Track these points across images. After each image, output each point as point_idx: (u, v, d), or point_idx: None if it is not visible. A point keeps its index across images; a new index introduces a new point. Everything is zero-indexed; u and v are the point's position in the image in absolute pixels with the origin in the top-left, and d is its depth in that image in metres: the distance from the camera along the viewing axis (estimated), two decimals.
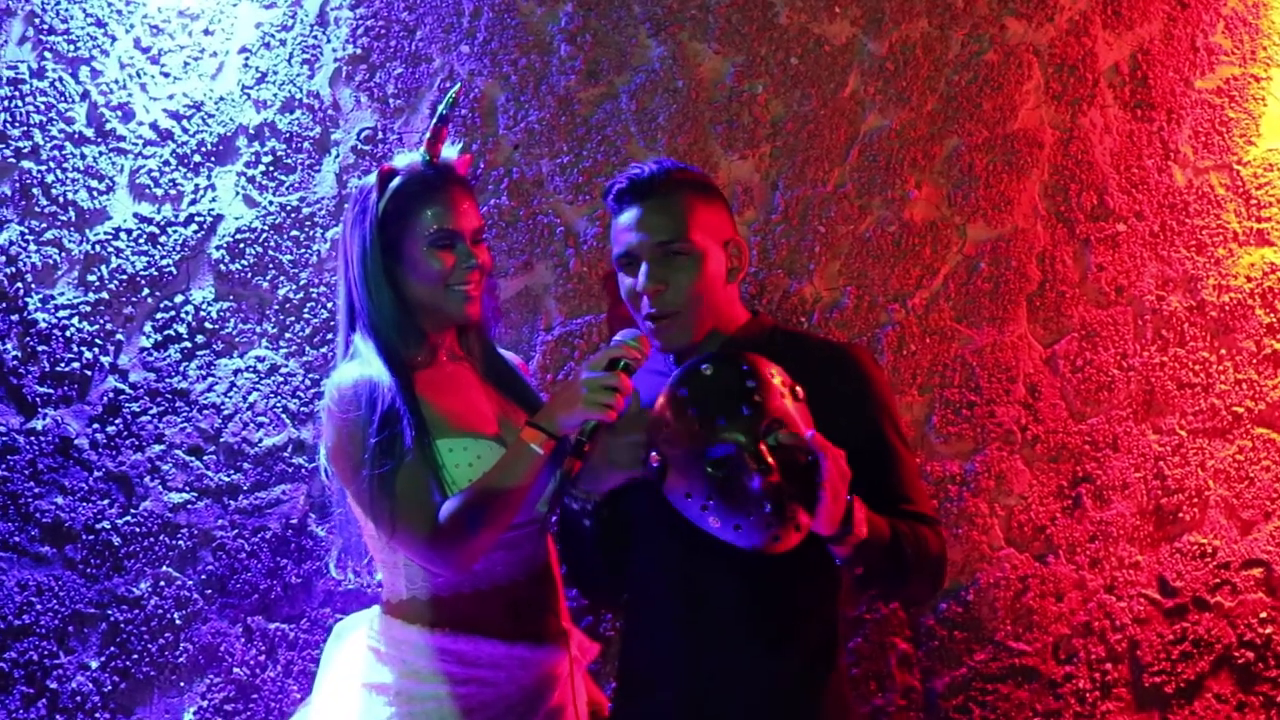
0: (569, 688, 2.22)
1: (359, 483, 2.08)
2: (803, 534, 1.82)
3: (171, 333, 2.73)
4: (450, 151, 2.24)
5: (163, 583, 2.75)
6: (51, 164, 2.67)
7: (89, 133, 2.68)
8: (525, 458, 2.02)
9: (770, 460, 1.79)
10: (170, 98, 2.70)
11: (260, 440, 2.75)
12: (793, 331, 2.21)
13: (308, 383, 2.75)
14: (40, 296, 2.69)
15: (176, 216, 2.72)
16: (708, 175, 2.28)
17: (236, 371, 2.75)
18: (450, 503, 2.05)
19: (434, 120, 2.19)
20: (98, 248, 2.70)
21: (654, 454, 1.88)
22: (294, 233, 2.74)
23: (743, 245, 2.12)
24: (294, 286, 2.75)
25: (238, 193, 2.73)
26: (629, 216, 2.05)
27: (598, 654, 2.39)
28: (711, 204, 2.10)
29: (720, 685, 2.06)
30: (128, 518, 2.74)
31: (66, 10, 2.66)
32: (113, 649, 2.75)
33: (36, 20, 2.65)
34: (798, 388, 1.88)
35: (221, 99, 2.71)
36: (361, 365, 2.14)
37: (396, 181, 2.17)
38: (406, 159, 2.22)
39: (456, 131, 2.74)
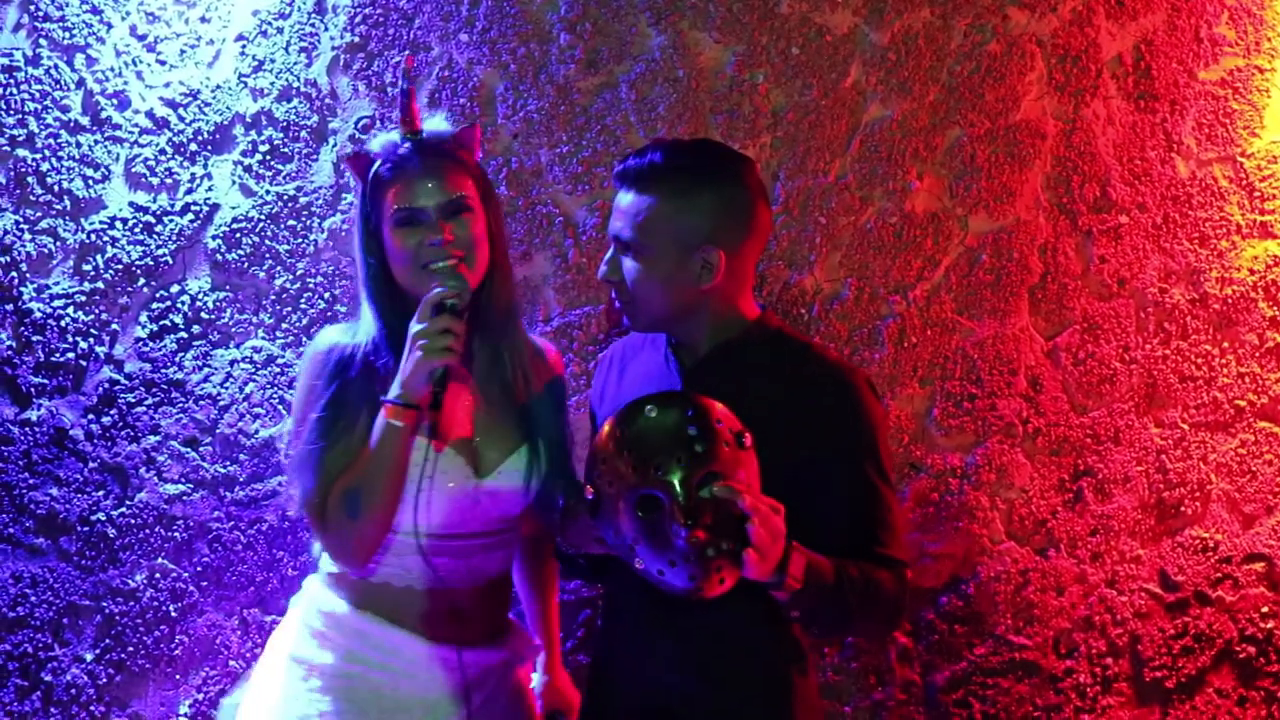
0: (503, 691, 2.18)
1: (296, 443, 2.05)
2: (727, 586, 1.79)
3: (167, 323, 2.71)
4: (436, 123, 2.12)
5: (158, 575, 2.74)
6: (46, 152, 2.65)
7: (84, 121, 2.66)
8: (389, 435, 1.97)
9: (698, 514, 1.75)
10: (166, 86, 2.68)
11: (256, 431, 2.74)
12: (798, 340, 2.10)
13: None
14: (35, 286, 2.67)
15: (172, 206, 2.70)
16: (716, 169, 2.03)
17: (233, 362, 2.73)
18: (334, 490, 2.01)
19: (400, 96, 2.09)
20: (93, 237, 2.68)
21: (589, 487, 1.86)
22: (291, 222, 2.72)
23: (718, 255, 1.97)
24: (291, 277, 2.73)
25: (234, 182, 2.71)
26: (617, 198, 2.04)
27: (540, 653, 2.35)
28: (692, 204, 1.97)
29: (687, 687, 2.06)
30: (123, 509, 2.72)
31: None
32: (108, 641, 2.74)
33: (32, 7, 2.63)
34: (746, 435, 1.81)
35: (218, 87, 2.69)
36: (342, 332, 2.11)
37: (375, 165, 2.09)
38: (384, 139, 2.10)
39: (454, 121, 2.71)
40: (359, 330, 2.12)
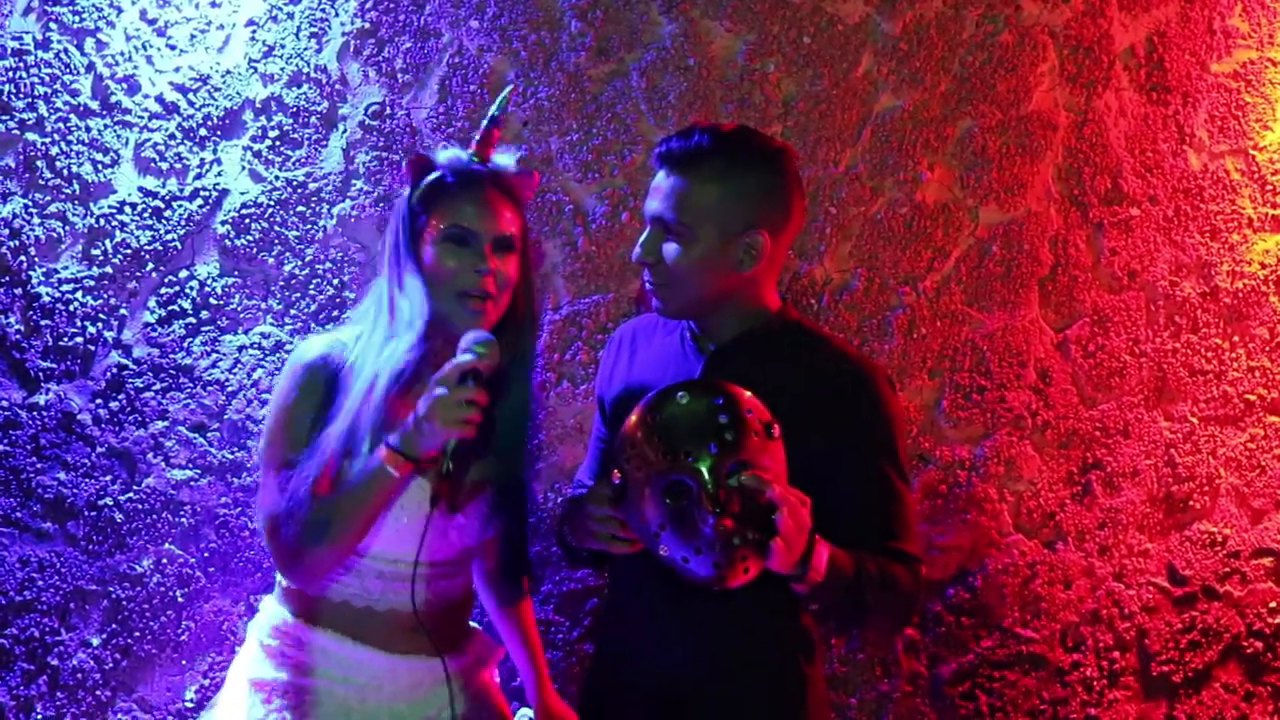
0: (472, 693, 2.16)
1: (275, 455, 2.01)
2: (751, 576, 1.79)
3: (176, 308, 2.70)
4: (505, 159, 2.11)
5: (165, 560, 2.74)
6: (56, 136, 2.65)
7: (94, 105, 2.66)
8: (381, 480, 1.93)
9: (726, 503, 1.75)
10: (176, 70, 2.67)
11: (264, 417, 2.73)
12: (817, 334, 2.11)
13: None
14: (44, 270, 2.67)
15: (182, 191, 2.69)
16: (760, 156, 2.01)
17: (241, 348, 2.72)
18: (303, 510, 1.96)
19: (486, 122, 2.09)
20: (102, 221, 2.67)
21: (616, 471, 1.85)
22: (300, 208, 2.72)
23: (763, 239, 1.99)
24: (299, 263, 2.72)
25: (244, 167, 2.70)
26: (657, 179, 2.03)
27: (504, 655, 2.33)
28: (737, 189, 1.98)
29: (696, 675, 2.05)
30: (130, 494, 2.72)
31: None
32: (114, 626, 2.73)
33: None
34: (775, 426, 1.81)
35: (228, 72, 2.69)
36: (329, 344, 2.06)
37: (433, 175, 2.06)
38: (451, 154, 2.10)
39: (464, 108, 2.71)
40: (342, 337, 2.08)
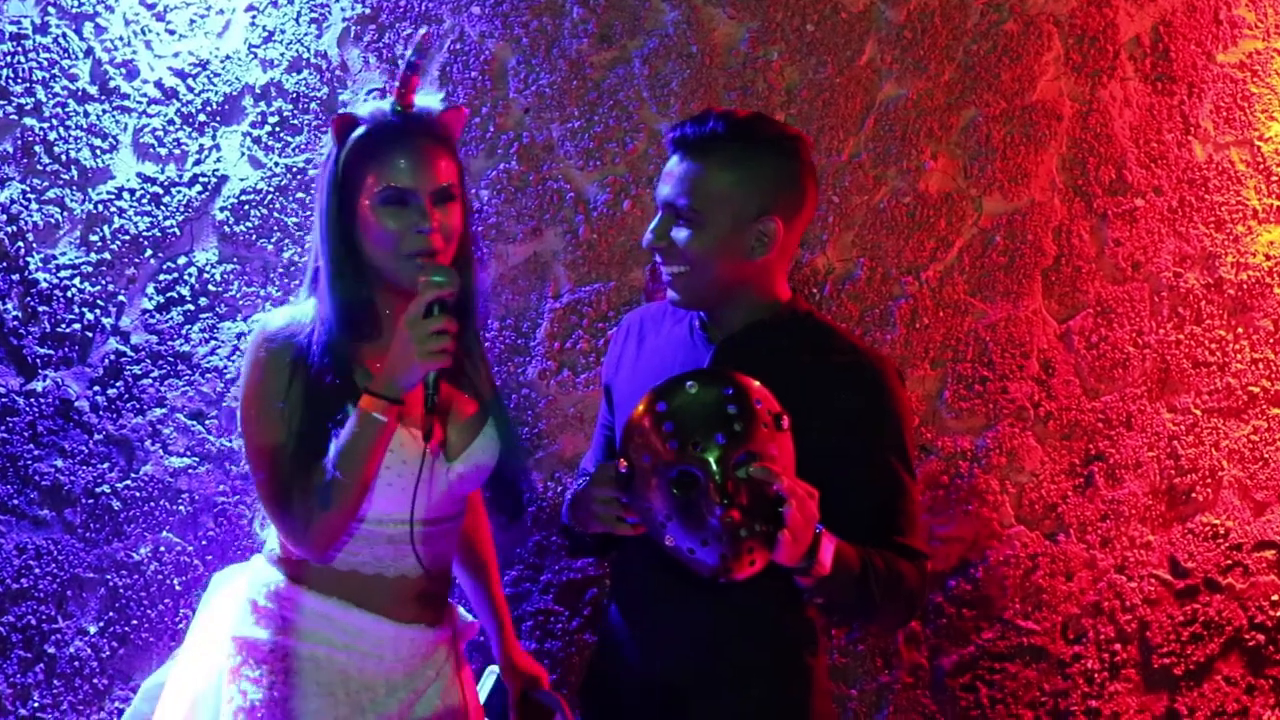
0: (454, 665, 2.17)
1: (258, 432, 1.98)
2: (757, 568, 1.78)
3: (174, 295, 2.69)
4: (430, 101, 2.04)
5: (163, 548, 2.73)
6: (54, 121, 2.63)
7: (92, 90, 2.64)
8: (370, 428, 1.91)
9: (734, 494, 1.74)
10: (175, 55, 2.65)
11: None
12: (824, 325, 2.10)
13: None
14: (41, 256, 2.65)
15: (180, 177, 2.68)
16: (775, 143, 2.00)
17: (239, 335, 2.71)
18: (300, 479, 1.94)
19: (404, 68, 2.01)
20: (100, 207, 2.66)
21: (622, 460, 1.84)
22: (299, 195, 2.70)
23: (775, 226, 1.97)
24: (299, 250, 2.71)
25: (243, 153, 2.69)
26: (669, 164, 2.01)
27: (477, 630, 2.33)
28: (751, 176, 1.96)
29: (698, 666, 2.04)
30: (128, 482, 2.71)
31: None
32: (112, 614, 2.72)
33: None
34: (784, 417, 1.80)
35: (228, 58, 2.67)
36: (291, 316, 2.03)
37: (358, 131, 1.99)
38: (372, 107, 2.03)
39: (465, 94, 2.70)
40: (305, 310, 2.04)
